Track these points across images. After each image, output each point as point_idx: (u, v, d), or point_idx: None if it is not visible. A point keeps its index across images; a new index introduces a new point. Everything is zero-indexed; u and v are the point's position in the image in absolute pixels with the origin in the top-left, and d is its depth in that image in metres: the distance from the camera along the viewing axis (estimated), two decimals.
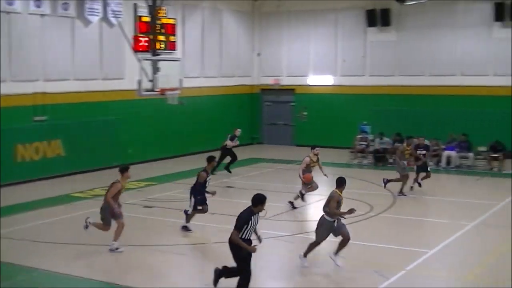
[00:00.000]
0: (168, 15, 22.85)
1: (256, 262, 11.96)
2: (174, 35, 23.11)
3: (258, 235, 11.83)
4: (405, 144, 22.57)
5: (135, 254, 14.66)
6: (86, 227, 14.88)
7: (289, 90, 35.65)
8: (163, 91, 22.06)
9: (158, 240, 15.90)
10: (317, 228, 13.56)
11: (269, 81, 36.02)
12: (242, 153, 29.64)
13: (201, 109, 31.92)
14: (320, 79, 34.73)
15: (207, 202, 16.63)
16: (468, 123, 29.66)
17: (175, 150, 30.56)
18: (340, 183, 13.60)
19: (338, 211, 13.28)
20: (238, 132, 26.71)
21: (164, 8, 22.76)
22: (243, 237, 11.17)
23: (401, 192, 21.57)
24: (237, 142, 26.61)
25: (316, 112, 34.59)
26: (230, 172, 25.93)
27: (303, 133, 34.86)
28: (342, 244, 13.42)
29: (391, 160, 28.11)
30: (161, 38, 22.39)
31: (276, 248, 15.21)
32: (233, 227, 11.23)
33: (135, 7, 22.44)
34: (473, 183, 24.66)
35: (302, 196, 19.62)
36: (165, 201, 20.43)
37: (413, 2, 30.39)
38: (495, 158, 27.44)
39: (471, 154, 27.88)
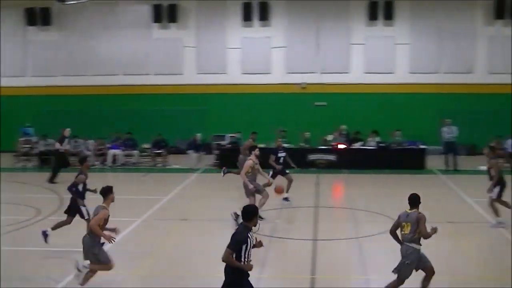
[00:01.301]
0: None
1: None
2: None
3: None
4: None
5: None
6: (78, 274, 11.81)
7: None
8: None
9: None
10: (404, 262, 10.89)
11: None
12: None
13: None
14: None
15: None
16: (133, 121, 30.54)
17: None
18: (416, 201, 10.97)
19: (429, 233, 10.78)
20: (67, 132, 24.78)
21: None
22: (244, 261, 9.16)
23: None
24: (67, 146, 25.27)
25: None
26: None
27: None
28: (427, 280, 11.11)
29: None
30: None
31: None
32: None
33: None
34: (139, 180, 25.27)
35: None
36: None
37: (73, 2, 30.33)
38: (159, 154, 28.53)
39: (136, 152, 28.63)
